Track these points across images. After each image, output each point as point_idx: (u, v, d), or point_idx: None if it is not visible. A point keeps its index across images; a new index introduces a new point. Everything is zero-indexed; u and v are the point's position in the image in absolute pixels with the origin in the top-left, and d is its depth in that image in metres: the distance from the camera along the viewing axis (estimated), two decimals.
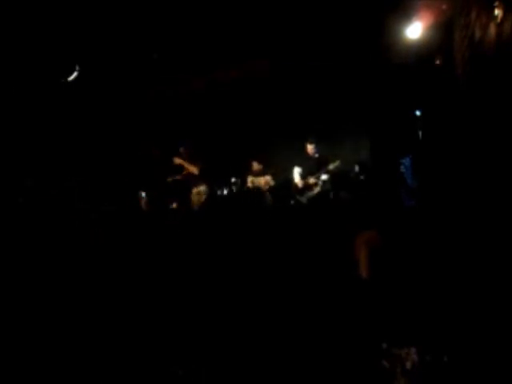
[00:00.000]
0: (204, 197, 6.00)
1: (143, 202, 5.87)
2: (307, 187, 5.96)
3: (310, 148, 5.99)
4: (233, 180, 6.45)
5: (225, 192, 6.32)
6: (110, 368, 2.32)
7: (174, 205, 5.89)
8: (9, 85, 4.71)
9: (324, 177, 5.88)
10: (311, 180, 5.92)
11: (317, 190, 5.89)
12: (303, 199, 5.96)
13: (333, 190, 5.85)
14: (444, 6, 4.20)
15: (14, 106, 4.89)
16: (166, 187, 6.01)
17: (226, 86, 6.55)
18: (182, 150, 6.19)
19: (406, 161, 5.26)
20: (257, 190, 6.00)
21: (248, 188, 6.25)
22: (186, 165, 6.11)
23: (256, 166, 6.40)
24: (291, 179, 6.13)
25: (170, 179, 6.08)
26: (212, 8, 4.68)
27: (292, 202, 6.08)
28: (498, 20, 2.79)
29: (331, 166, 5.79)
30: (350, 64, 5.92)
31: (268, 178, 6.30)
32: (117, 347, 2.53)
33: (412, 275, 2.85)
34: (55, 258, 3.87)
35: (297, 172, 6.09)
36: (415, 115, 5.21)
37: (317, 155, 6.01)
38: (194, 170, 6.06)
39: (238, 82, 6.49)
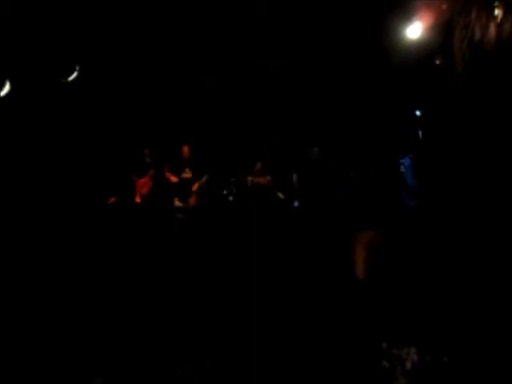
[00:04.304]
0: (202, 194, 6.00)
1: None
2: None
3: (313, 151, 5.98)
4: (233, 180, 6.44)
5: (225, 192, 6.31)
6: (109, 368, 2.32)
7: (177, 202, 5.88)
8: (9, 84, 4.71)
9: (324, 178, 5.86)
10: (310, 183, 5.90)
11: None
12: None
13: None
14: (444, 6, 4.20)
15: (13, 105, 4.89)
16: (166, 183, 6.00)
17: (226, 86, 6.54)
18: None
19: (406, 161, 5.25)
20: (258, 189, 5.97)
21: (248, 188, 6.23)
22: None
23: (259, 166, 6.37)
24: (290, 183, 6.10)
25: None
26: (209, 10, 4.69)
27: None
28: (498, 20, 2.79)
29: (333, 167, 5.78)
30: (350, 64, 5.91)
31: (269, 178, 6.28)
32: (116, 347, 2.53)
33: (412, 275, 2.85)
34: (54, 256, 3.87)
35: (295, 177, 6.05)
36: (415, 115, 5.21)
37: (316, 159, 6.00)
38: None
39: (238, 83, 6.49)
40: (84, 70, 5.11)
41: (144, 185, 5.74)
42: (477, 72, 3.36)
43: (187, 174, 6.12)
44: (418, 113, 5.20)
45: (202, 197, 5.87)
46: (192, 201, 5.95)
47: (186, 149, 6.23)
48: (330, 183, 5.91)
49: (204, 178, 6.05)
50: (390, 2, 4.65)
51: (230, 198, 6.20)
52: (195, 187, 5.92)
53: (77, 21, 4.51)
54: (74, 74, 5.04)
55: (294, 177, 6.05)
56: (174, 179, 5.94)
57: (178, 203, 5.88)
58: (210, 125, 6.84)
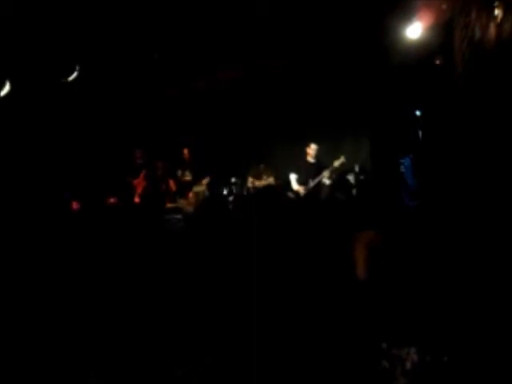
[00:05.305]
0: (203, 195, 6.03)
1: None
2: (311, 192, 5.93)
3: (313, 149, 5.95)
4: (233, 180, 6.45)
5: (225, 192, 6.32)
6: (108, 368, 2.32)
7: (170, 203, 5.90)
8: (9, 84, 4.71)
9: (327, 182, 5.87)
10: (312, 184, 5.91)
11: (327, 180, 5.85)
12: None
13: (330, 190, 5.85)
14: (444, 6, 4.20)
15: (13, 105, 4.89)
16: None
17: (226, 87, 6.55)
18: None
19: (406, 161, 5.25)
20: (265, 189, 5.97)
21: (249, 188, 6.24)
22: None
23: (262, 167, 6.36)
24: (290, 185, 6.11)
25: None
26: (210, 10, 4.68)
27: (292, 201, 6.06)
28: (498, 20, 2.79)
29: (336, 164, 5.77)
30: (351, 64, 5.92)
31: (270, 179, 6.28)
32: (115, 347, 2.53)
33: (412, 275, 2.85)
34: (52, 255, 3.87)
35: (293, 179, 6.05)
36: (415, 115, 5.21)
37: (315, 160, 6.00)
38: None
39: (238, 83, 6.49)
40: (84, 70, 5.11)
41: (139, 185, 5.78)
42: (477, 72, 3.36)
43: (187, 177, 6.16)
44: (418, 113, 5.20)
45: (200, 201, 5.92)
46: (190, 201, 5.98)
47: (186, 151, 6.26)
48: (331, 183, 5.92)
49: (205, 181, 6.07)
50: (390, 2, 4.65)
51: (230, 198, 6.21)
52: (191, 195, 5.97)
53: (76, 21, 4.51)
54: (74, 74, 5.05)
55: (293, 177, 6.06)
56: (173, 187, 5.98)
57: (176, 204, 5.90)
58: (209, 125, 6.85)
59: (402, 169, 5.29)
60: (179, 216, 5.47)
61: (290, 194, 6.04)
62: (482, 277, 2.55)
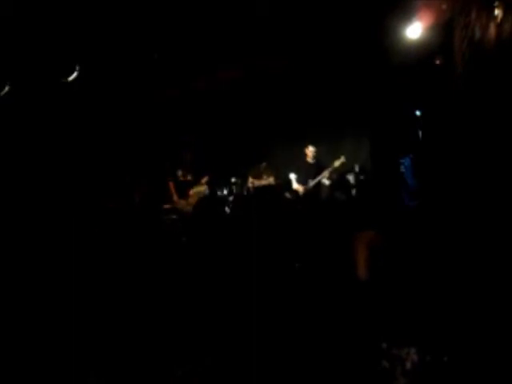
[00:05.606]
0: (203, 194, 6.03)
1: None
2: (310, 192, 5.93)
3: (311, 151, 5.96)
4: (233, 180, 6.45)
5: (225, 192, 6.32)
6: (108, 368, 2.32)
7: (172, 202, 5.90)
8: (10, 84, 4.71)
9: (327, 182, 5.87)
10: (311, 184, 5.91)
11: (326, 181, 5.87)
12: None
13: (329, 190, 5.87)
14: (444, 6, 4.20)
15: (13, 106, 4.89)
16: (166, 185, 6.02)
17: (226, 87, 6.54)
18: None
19: (406, 161, 5.26)
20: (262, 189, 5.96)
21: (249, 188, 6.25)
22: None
23: (263, 167, 6.36)
24: (290, 184, 6.12)
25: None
26: (211, 9, 4.68)
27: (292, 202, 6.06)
28: (498, 20, 2.79)
29: (336, 163, 5.77)
30: (351, 64, 5.91)
31: (271, 179, 6.29)
32: (116, 347, 2.53)
33: (412, 275, 2.85)
34: (52, 256, 3.87)
35: (293, 178, 6.06)
36: (415, 115, 5.21)
37: (314, 160, 6.00)
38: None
39: (238, 83, 6.49)
40: (84, 70, 5.11)
41: (139, 185, 5.79)
42: (477, 72, 3.36)
43: (188, 178, 6.16)
44: (418, 113, 5.20)
45: (200, 200, 5.92)
46: (190, 202, 5.99)
47: (187, 156, 6.26)
48: (331, 183, 5.92)
49: (204, 180, 6.08)
50: (390, 2, 4.65)
51: (230, 198, 6.21)
52: (192, 193, 5.97)
53: (76, 21, 4.51)
54: (74, 74, 5.05)
55: (293, 177, 6.07)
56: (172, 187, 5.97)
57: (175, 204, 5.90)
58: (209, 125, 6.85)
59: (402, 169, 5.29)
60: (176, 216, 5.47)
61: (288, 194, 6.05)
62: (482, 277, 2.55)
